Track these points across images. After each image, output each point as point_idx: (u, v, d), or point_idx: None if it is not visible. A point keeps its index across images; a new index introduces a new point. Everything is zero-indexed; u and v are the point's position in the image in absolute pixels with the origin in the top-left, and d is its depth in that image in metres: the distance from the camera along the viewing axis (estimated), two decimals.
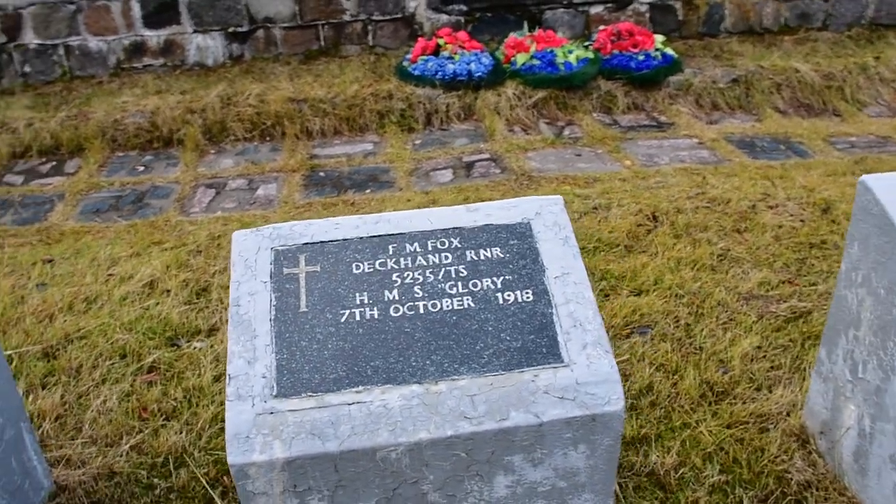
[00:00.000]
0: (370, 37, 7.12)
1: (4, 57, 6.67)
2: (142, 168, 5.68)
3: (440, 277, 2.01)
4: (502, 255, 2.04)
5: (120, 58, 6.86)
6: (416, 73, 6.34)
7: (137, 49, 6.86)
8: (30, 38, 6.66)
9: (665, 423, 2.81)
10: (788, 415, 2.82)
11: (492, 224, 2.11)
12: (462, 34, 6.64)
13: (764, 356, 3.11)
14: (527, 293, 1.97)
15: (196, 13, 6.81)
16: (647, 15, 7.35)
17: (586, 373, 1.83)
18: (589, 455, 1.87)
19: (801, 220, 4.11)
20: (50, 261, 4.23)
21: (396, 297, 1.98)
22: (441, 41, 6.54)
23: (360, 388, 1.83)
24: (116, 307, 3.61)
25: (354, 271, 2.04)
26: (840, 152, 5.60)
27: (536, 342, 1.88)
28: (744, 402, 2.89)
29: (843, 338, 2.55)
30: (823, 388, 2.68)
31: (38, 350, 3.38)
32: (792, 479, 2.57)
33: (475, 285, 1.99)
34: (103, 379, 3.17)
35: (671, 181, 4.78)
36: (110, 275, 3.93)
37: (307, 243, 2.12)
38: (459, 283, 2.00)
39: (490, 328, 1.91)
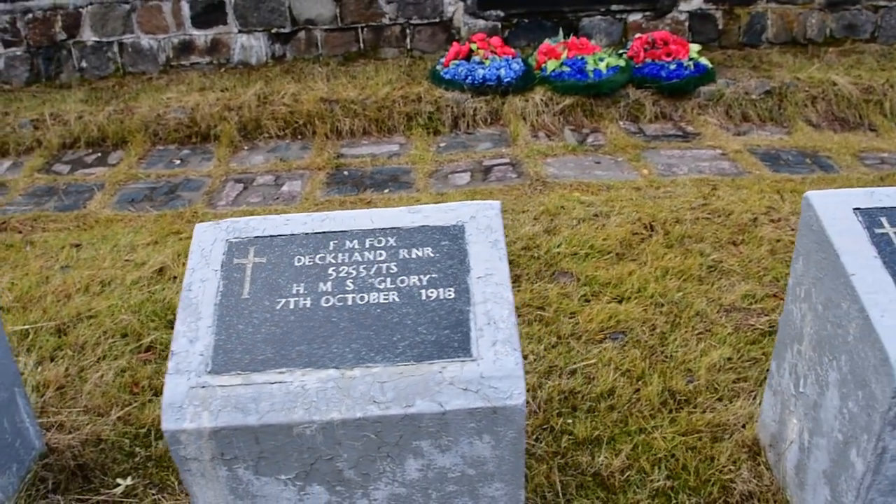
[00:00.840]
0: (408, 40, 7.30)
1: (64, 53, 7.07)
2: (178, 161, 5.97)
3: (372, 273, 2.15)
4: (433, 255, 2.17)
5: (169, 55, 7.19)
6: (448, 76, 6.48)
7: (186, 47, 7.18)
8: (87, 36, 7.04)
9: (620, 427, 2.88)
10: (744, 426, 2.87)
11: (428, 225, 2.23)
12: (495, 39, 6.75)
13: (732, 368, 3.16)
14: (449, 291, 2.09)
15: (241, 14, 7.09)
16: (686, 24, 7.34)
17: (491, 368, 1.94)
18: (494, 445, 1.98)
19: None
20: (77, 245, 4.52)
21: (329, 289, 2.12)
22: (474, 46, 6.67)
23: (284, 369, 1.98)
24: (126, 291, 3.86)
25: (296, 264, 2.20)
26: (867, 168, 5.52)
27: (450, 337, 2.00)
28: (703, 412, 2.94)
29: (789, 352, 2.59)
30: (773, 401, 2.72)
31: (52, 326, 3.64)
32: (736, 490, 2.63)
33: (402, 281, 2.12)
34: (104, 355, 3.41)
35: (679, 191, 4.81)
36: (127, 260, 4.19)
37: (258, 237, 2.28)
38: (388, 279, 2.13)
39: (409, 322, 2.04)
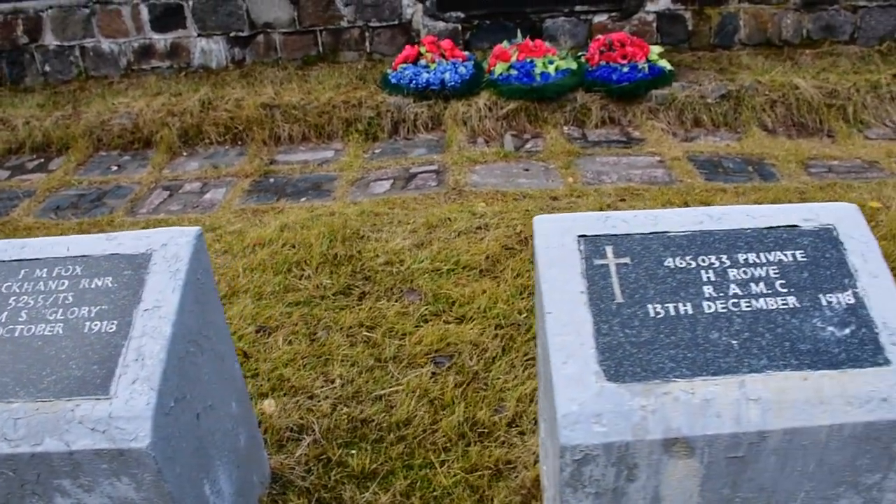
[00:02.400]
0: (367, 43, 7.20)
1: (27, 57, 7.19)
2: (116, 168, 6.00)
3: (48, 304, 2.06)
4: (111, 285, 2.07)
5: (130, 59, 7.25)
6: (394, 81, 6.36)
7: (146, 51, 7.23)
8: (49, 40, 7.15)
9: (404, 461, 2.74)
10: (536, 464, 2.69)
11: (118, 254, 2.14)
12: (446, 42, 6.60)
13: None
14: (112, 324, 1.99)
15: (200, 18, 7.10)
16: (654, 25, 7.06)
17: (122, 407, 1.83)
18: (136, 488, 1.88)
19: None
20: None
21: (2, 321, 2.05)
22: (423, 49, 6.53)
23: None
24: None
25: None
26: (811, 177, 5.21)
27: (95, 373, 1.90)
28: (498, 446, 2.77)
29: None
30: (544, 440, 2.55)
31: None
32: None
33: (73, 313, 2.03)
34: None
35: (581, 202, 4.60)
36: None
37: None
38: (61, 310, 2.04)
39: (64, 356, 1.95)
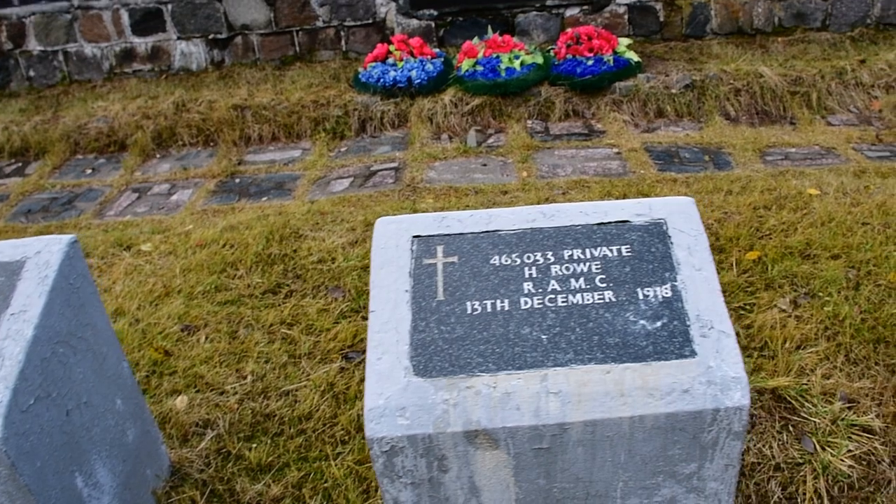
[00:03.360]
0: (343, 42, 7.30)
1: (11, 62, 7.40)
2: (90, 171, 6.17)
3: None
4: None
5: (112, 63, 7.42)
6: (363, 79, 6.45)
7: (128, 55, 7.40)
8: (33, 45, 7.35)
9: (301, 453, 2.84)
10: None
11: None
12: (415, 40, 6.67)
13: None
14: None
15: (179, 21, 7.24)
16: (626, 17, 7.07)
17: None
18: None
19: None
20: None
21: None
22: (392, 47, 6.61)
23: None
24: None
25: None
26: (765, 165, 5.22)
27: None
28: None
29: None
30: None
31: None
32: None
33: None
34: None
35: (523, 196, 4.66)
36: None
37: None
38: None
39: None
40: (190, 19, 7.23)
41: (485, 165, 5.50)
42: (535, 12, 7.09)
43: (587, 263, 2.02)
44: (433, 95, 6.28)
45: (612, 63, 6.23)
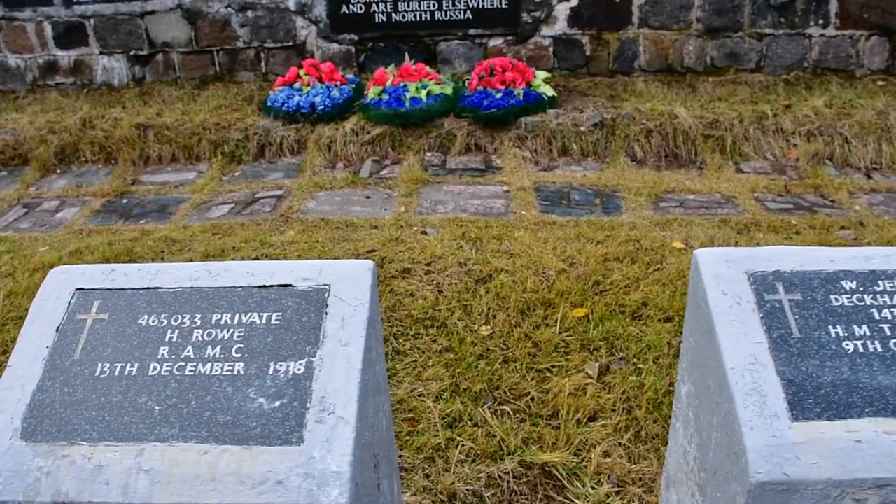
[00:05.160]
0: (263, 64, 7.21)
1: None
2: None
3: None
4: None
5: (36, 75, 7.36)
6: (269, 103, 6.36)
7: (51, 67, 7.34)
8: None
9: None
10: None
11: None
12: (326, 66, 6.57)
13: None
14: None
15: (101, 36, 7.18)
16: (551, 49, 6.95)
17: None
18: None
19: (430, 290, 3.76)
20: None
21: None
22: (301, 72, 6.51)
23: None
24: None
25: None
26: (655, 212, 5.05)
27: None
28: None
29: None
30: None
31: None
32: None
33: None
34: None
35: (377, 234, 4.52)
36: None
37: None
38: None
39: None
40: (112, 34, 7.16)
41: (368, 198, 5.37)
42: (457, 41, 6.98)
43: (231, 330, 1.88)
44: (336, 122, 6.17)
45: (521, 97, 6.10)
